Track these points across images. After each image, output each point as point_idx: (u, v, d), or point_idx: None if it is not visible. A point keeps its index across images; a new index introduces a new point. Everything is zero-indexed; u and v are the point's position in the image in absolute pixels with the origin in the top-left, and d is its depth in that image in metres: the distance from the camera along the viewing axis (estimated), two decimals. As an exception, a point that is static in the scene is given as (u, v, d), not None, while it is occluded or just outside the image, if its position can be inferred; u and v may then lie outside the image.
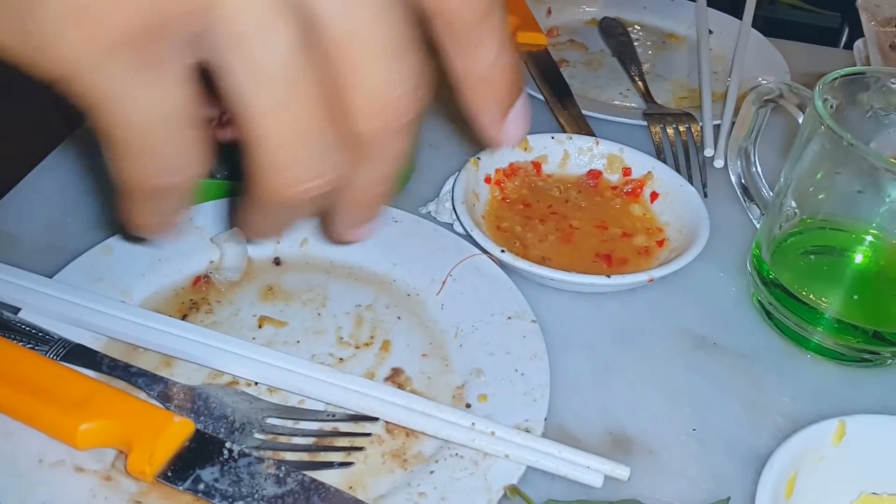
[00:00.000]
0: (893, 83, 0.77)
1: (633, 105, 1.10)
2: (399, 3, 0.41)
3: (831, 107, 0.74)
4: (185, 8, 0.38)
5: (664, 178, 0.88)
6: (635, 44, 1.22)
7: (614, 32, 1.24)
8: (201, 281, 0.76)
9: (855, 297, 0.77)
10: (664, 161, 0.91)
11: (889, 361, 0.76)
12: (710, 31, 1.22)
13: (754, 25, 1.21)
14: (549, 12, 1.27)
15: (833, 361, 0.76)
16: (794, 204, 0.77)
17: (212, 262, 0.78)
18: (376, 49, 0.41)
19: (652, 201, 0.88)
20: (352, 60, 0.41)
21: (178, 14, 0.38)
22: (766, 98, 0.81)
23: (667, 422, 0.70)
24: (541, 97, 1.05)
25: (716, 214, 0.83)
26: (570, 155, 0.91)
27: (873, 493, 0.63)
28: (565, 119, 1.00)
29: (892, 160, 0.67)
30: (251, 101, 0.40)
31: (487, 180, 0.87)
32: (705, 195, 0.91)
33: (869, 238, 0.77)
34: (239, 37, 0.39)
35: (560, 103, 1.03)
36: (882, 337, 0.75)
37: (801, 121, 0.76)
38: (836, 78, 0.74)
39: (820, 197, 0.77)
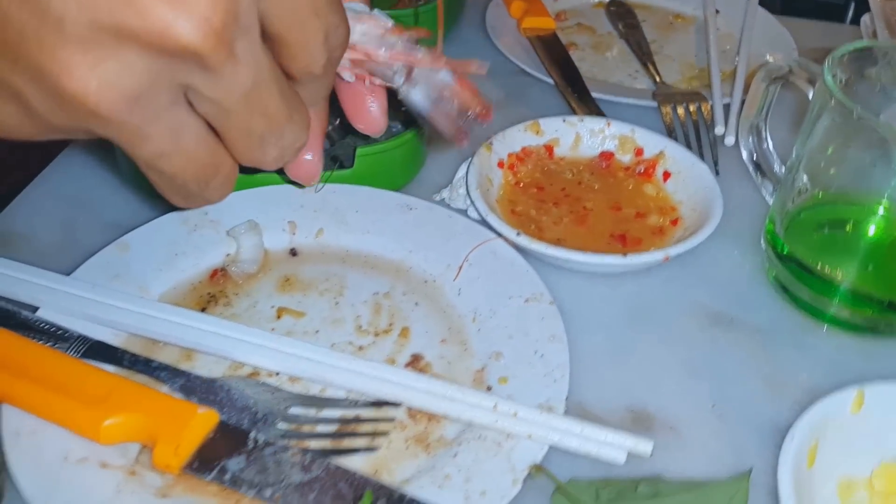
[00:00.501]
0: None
1: (642, 86, 1.10)
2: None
3: (840, 81, 0.74)
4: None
5: (676, 157, 0.88)
6: (642, 25, 1.22)
7: (621, 14, 1.24)
8: (218, 274, 0.77)
9: (869, 268, 0.77)
10: (675, 140, 0.91)
11: (854, 321, 0.77)
12: (717, 11, 1.22)
13: (761, 3, 1.21)
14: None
15: (849, 333, 0.77)
16: (805, 179, 0.77)
17: (228, 255, 0.78)
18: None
19: (665, 181, 0.88)
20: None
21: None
22: (775, 75, 0.81)
23: (686, 398, 0.70)
24: (551, 81, 1.06)
25: (729, 191, 0.83)
26: (581, 137, 0.92)
27: (893, 461, 0.63)
28: (576, 102, 1.01)
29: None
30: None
31: (500, 165, 0.87)
32: (717, 173, 0.91)
33: (881, 210, 0.77)
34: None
35: (570, 86, 1.03)
36: (835, 287, 0.76)
37: (811, 96, 0.77)
38: (845, 53, 0.74)
39: (832, 171, 0.77)
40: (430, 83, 0.66)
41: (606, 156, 0.91)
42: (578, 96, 1.02)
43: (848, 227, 0.81)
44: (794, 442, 0.60)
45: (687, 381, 0.72)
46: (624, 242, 0.82)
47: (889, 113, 0.77)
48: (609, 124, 0.92)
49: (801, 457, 0.60)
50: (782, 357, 0.74)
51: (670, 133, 0.97)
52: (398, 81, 0.65)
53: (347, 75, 0.65)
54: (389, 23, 0.64)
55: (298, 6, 0.49)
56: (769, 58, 0.96)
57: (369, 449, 0.63)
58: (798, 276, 0.78)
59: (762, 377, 0.72)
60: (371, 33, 0.63)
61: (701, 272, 0.81)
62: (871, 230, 0.78)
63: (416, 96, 0.66)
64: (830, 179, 0.78)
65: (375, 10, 0.63)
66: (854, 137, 0.72)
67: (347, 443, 0.64)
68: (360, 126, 0.68)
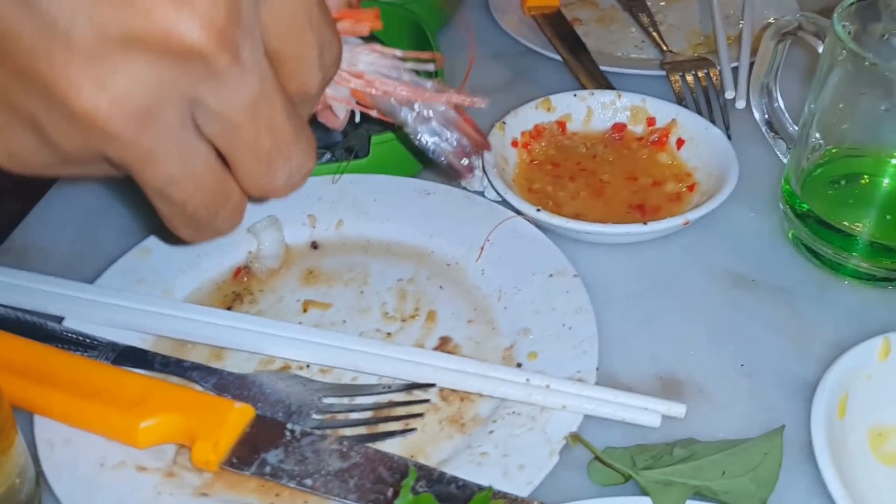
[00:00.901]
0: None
1: (649, 57, 1.10)
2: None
3: (849, 33, 0.74)
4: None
5: (689, 123, 0.89)
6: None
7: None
8: (242, 272, 0.77)
9: (887, 218, 0.77)
10: (687, 108, 0.91)
11: (873, 272, 0.77)
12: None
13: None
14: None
15: (870, 285, 0.77)
16: (818, 135, 0.77)
17: (250, 252, 0.79)
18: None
19: (678, 148, 0.88)
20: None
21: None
22: (784, 31, 0.81)
23: (714, 361, 0.71)
24: (559, 57, 1.06)
25: (742, 155, 0.83)
26: (593, 111, 0.92)
27: None
28: (584, 76, 1.01)
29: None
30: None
31: (514, 144, 0.88)
32: (730, 137, 0.91)
33: (895, 160, 0.77)
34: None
35: (578, 61, 1.03)
36: (854, 242, 0.77)
37: (820, 50, 0.77)
38: (852, 3, 0.74)
39: (844, 125, 0.77)
40: (437, 118, 0.66)
41: (619, 127, 0.91)
42: (587, 71, 1.02)
43: (863, 180, 0.81)
44: (825, 394, 0.61)
45: (713, 345, 0.72)
46: (642, 212, 0.82)
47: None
48: (620, 96, 0.92)
49: (832, 408, 0.61)
50: (806, 314, 0.75)
51: (681, 101, 0.97)
52: (404, 116, 0.65)
53: (341, 108, 0.65)
54: (398, 52, 0.64)
55: (295, 18, 0.49)
56: (773, 20, 0.96)
57: (405, 432, 0.64)
58: (817, 233, 0.78)
59: (788, 335, 0.72)
60: (379, 63, 0.64)
61: (720, 236, 0.82)
62: (886, 181, 0.79)
63: (424, 132, 0.67)
64: (843, 134, 0.78)
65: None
66: (866, 88, 0.73)
67: (383, 427, 0.64)
68: (322, 120, 0.68)
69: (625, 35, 1.15)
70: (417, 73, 0.66)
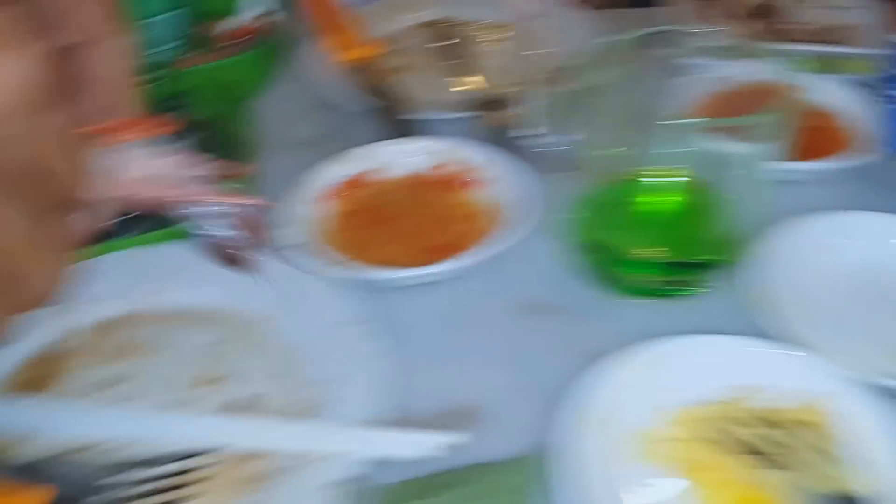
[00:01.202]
0: (684, 32, 0.81)
1: (462, 99, 1.11)
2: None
3: (622, 67, 0.76)
4: None
5: (494, 162, 0.92)
6: (459, 40, 1.24)
7: (438, 33, 1.26)
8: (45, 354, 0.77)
9: (652, 235, 0.82)
10: (492, 146, 0.94)
11: (694, 289, 0.82)
12: (531, 18, 1.24)
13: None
14: (369, 23, 1.28)
15: (648, 298, 0.82)
16: (597, 163, 0.80)
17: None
18: None
19: (480, 188, 0.91)
20: None
21: None
22: (568, 71, 0.84)
23: (504, 386, 0.74)
24: (372, 107, 1.07)
25: (544, 188, 0.87)
26: (399, 159, 0.95)
27: (690, 407, 0.68)
28: (394, 125, 1.03)
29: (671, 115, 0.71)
30: None
31: (322, 198, 0.90)
32: (533, 172, 0.93)
33: (653, 182, 0.81)
34: None
35: (390, 110, 1.05)
36: (682, 264, 0.82)
37: (594, 85, 0.79)
38: (629, 39, 0.78)
39: (612, 153, 0.80)
40: (216, 215, 0.68)
41: (426, 172, 0.94)
42: (398, 119, 1.04)
43: (632, 203, 0.84)
44: (577, 403, 0.66)
45: (505, 371, 0.76)
46: (446, 251, 0.83)
47: (673, 87, 0.81)
48: (427, 141, 0.95)
49: (589, 416, 0.65)
50: (592, 333, 0.77)
51: (488, 140, 0.99)
52: (182, 213, 0.67)
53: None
54: (185, 158, 0.65)
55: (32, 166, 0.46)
56: (564, 55, 0.98)
57: (194, 498, 0.65)
58: (599, 256, 0.83)
59: (576, 353, 0.74)
60: (160, 169, 0.65)
61: (518, 268, 0.85)
62: (649, 202, 0.83)
63: (202, 228, 0.68)
64: (613, 161, 0.81)
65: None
66: (629, 121, 0.76)
67: (177, 495, 0.65)
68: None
69: (439, 80, 1.17)
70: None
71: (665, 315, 0.79)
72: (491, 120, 1.03)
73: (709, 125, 0.73)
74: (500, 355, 0.77)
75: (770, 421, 0.67)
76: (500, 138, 1.00)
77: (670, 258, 0.81)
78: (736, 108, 0.76)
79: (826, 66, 1.10)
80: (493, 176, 0.91)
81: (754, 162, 0.77)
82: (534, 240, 0.84)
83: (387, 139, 0.96)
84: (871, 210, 0.86)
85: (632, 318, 0.79)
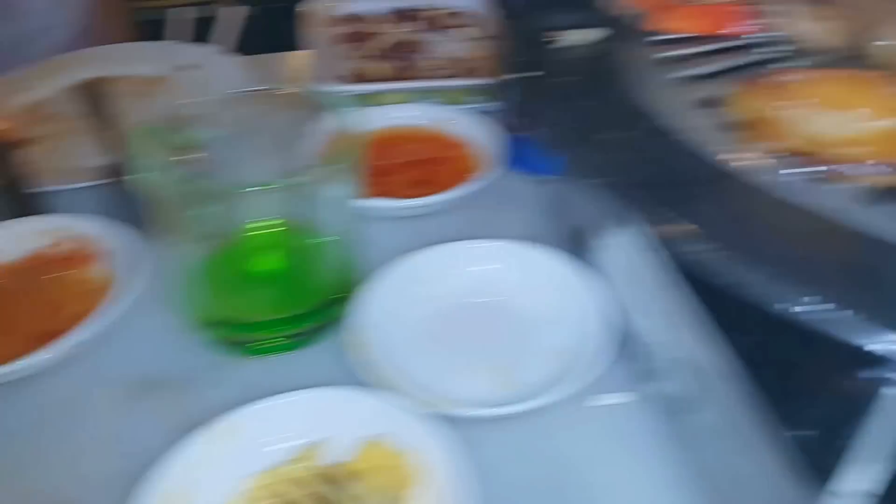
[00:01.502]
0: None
1: (102, 164, 1.09)
2: None
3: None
4: None
5: (110, 233, 0.91)
6: (114, 98, 1.21)
7: (92, 93, 1.23)
8: None
9: (266, 294, 0.84)
10: (117, 214, 0.93)
11: (318, 339, 0.83)
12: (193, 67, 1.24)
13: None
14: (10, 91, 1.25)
15: (277, 354, 0.82)
16: (194, 228, 0.81)
17: None
18: None
19: (98, 262, 0.89)
20: None
21: None
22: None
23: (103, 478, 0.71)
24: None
25: (152, 257, 0.87)
26: (21, 239, 0.92)
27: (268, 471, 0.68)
28: (12, 205, 0.99)
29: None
30: None
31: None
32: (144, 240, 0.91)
33: (257, 236, 0.83)
34: None
35: (10, 189, 1.01)
36: (301, 316, 0.82)
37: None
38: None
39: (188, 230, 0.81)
40: None
41: (40, 253, 0.91)
42: (15, 197, 0.99)
43: (235, 268, 0.86)
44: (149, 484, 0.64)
45: (109, 462, 0.73)
46: (54, 336, 0.80)
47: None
48: (45, 219, 0.94)
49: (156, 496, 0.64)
50: (205, 401, 0.74)
51: (115, 208, 0.97)
52: None
53: None
54: None
55: None
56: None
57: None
58: (218, 327, 0.82)
59: (182, 428, 0.70)
60: None
61: (133, 347, 0.83)
62: (254, 263, 0.85)
63: None
64: (210, 225, 0.82)
65: None
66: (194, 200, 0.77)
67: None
68: None
69: (83, 145, 1.13)
70: None
71: (280, 372, 0.79)
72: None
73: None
74: (102, 443, 0.74)
75: (329, 476, 0.68)
76: (122, 205, 0.99)
77: (289, 313, 0.81)
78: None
79: (453, 98, 1.14)
80: (108, 248, 0.89)
81: (342, 203, 0.79)
82: (147, 312, 0.83)
83: (6, 219, 0.93)
84: (483, 234, 0.89)
85: (250, 379, 0.78)
